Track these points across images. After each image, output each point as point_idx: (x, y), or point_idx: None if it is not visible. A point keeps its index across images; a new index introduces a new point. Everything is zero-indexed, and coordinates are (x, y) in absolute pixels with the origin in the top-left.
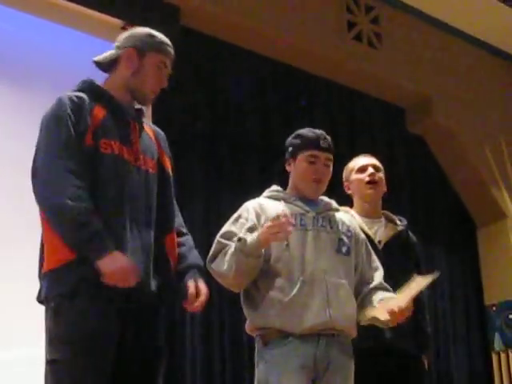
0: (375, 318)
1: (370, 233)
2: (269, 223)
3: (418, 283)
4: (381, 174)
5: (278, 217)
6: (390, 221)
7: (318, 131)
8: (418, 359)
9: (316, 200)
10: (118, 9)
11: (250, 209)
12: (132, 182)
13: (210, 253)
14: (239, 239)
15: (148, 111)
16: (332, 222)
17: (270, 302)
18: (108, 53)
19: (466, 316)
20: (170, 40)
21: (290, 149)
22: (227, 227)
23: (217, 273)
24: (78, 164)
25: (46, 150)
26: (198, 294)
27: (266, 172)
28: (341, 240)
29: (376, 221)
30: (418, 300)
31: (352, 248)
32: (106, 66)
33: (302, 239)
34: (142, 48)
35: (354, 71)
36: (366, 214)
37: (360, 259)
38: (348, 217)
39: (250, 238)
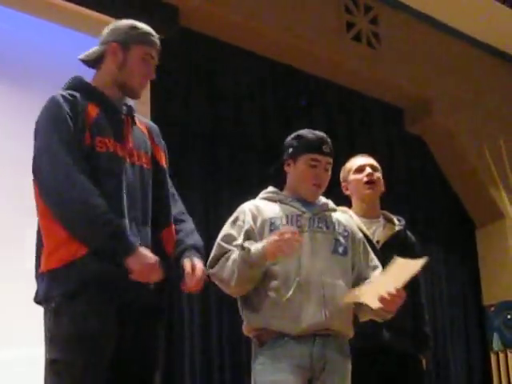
0: (369, 308)
1: (368, 233)
2: (275, 237)
3: (409, 268)
4: (379, 174)
5: (284, 232)
6: (388, 221)
7: (320, 134)
8: (417, 359)
9: (313, 201)
10: (117, 9)
11: (246, 211)
12: (128, 180)
13: (211, 256)
14: (243, 248)
15: (147, 111)
16: (328, 223)
17: (266, 304)
18: (93, 49)
19: (464, 316)
20: (169, 40)
21: (290, 150)
22: (226, 230)
23: (217, 278)
24: (83, 163)
25: (50, 150)
26: (193, 271)
27: (266, 172)
28: (337, 240)
29: (374, 221)
30: (417, 300)
31: (349, 248)
32: (93, 62)
33: None
34: (126, 41)
35: (352, 71)
36: (364, 214)
37: (357, 259)
38: (345, 216)
39: (254, 248)
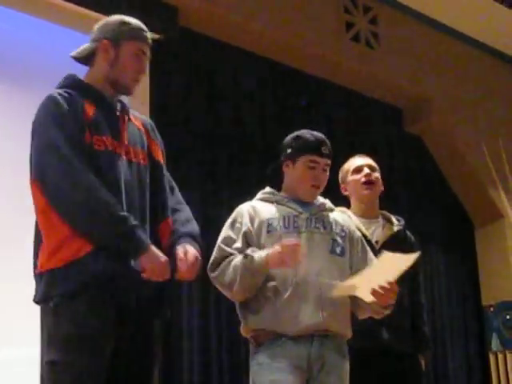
0: (365, 305)
1: (367, 233)
2: (278, 248)
3: (402, 262)
4: (377, 174)
5: (288, 244)
6: (387, 221)
7: (318, 135)
8: (416, 359)
9: (310, 201)
10: (117, 9)
11: (243, 213)
12: (126, 178)
13: (212, 259)
14: (245, 256)
15: (147, 111)
16: (325, 223)
17: (263, 304)
18: (84, 46)
19: (463, 316)
20: (169, 40)
21: (289, 150)
22: (226, 232)
23: (219, 283)
24: (87, 161)
25: (53, 147)
26: (186, 257)
27: (264, 172)
28: (334, 241)
29: (373, 221)
30: (416, 300)
31: (346, 248)
32: (84, 59)
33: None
34: (117, 38)
35: (351, 71)
36: (363, 215)
37: (355, 258)
38: (342, 216)
39: (258, 256)
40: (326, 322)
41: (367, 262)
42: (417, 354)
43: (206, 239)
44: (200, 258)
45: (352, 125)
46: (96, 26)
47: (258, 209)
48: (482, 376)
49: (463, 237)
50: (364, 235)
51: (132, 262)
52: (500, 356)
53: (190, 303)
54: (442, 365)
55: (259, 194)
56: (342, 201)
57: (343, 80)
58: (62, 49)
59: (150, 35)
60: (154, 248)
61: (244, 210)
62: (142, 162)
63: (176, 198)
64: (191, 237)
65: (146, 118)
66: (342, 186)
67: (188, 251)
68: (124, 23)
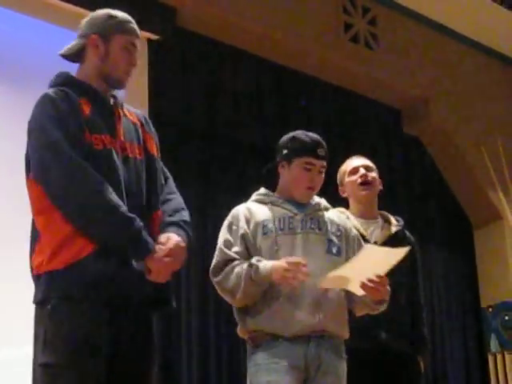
0: (361, 301)
1: (366, 234)
2: (285, 265)
3: (392, 256)
4: (374, 174)
5: (293, 262)
6: (386, 221)
7: (315, 136)
8: (414, 360)
9: (306, 202)
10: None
11: (240, 215)
12: (125, 176)
13: (214, 263)
14: (250, 265)
15: (145, 111)
16: (321, 223)
17: (260, 306)
18: (72, 43)
19: (462, 317)
20: (167, 40)
21: (285, 151)
22: (224, 235)
23: (221, 288)
24: (88, 160)
25: (54, 148)
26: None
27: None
28: (330, 241)
29: (372, 221)
30: (415, 300)
31: (342, 248)
32: (74, 56)
33: (291, 243)
34: (105, 32)
35: (350, 72)
36: (362, 215)
37: (352, 256)
38: (338, 214)
39: (262, 267)
40: (323, 322)
41: None
42: (415, 354)
43: (205, 239)
44: (184, 245)
45: (351, 126)
46: (82, 22)
47: (254, 210)
48: (480, 377)
49: (462, 238)
50: (363, 236)
51: (134, 263)
52: (499, 357)
53: (189, 303)
54: (440, 365)
55: (254, 196)
56: (342, 202)
57: (342, 81)
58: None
59: (137, 27)
60: (158, 249)
61: (240, 212)
62: (138, 156)
63: (168, 189)
64: (177, 225)
65: (139, 112)
66: (341, 188)
67: (170, 238)
68: (111, 17)
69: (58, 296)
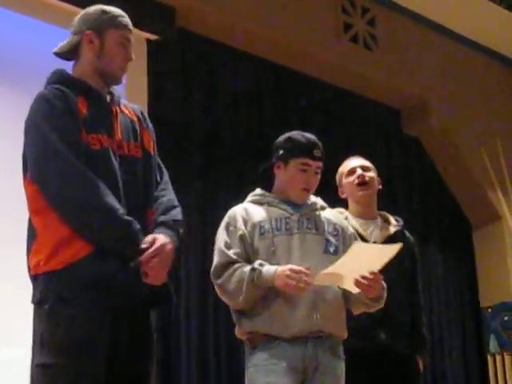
0: (357, 299)
1: (365, 234)
2: (288, 272)
3: (385, 254)
4: (371, 174)
5: (296, 269)
6: (385, 221)
7: (311, 137)
8: (414, 360)
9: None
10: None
11: (237, 216)
12: (122, 176)
13: (215, 264)
14: (253, 269)
15: (144, 111)
16: (317, 223)
17: (257, 307)
18: (66, 41)
19: (461, 318)
20: (166, 41)
21: (281, 152)
22: (223, 236)
23: (221, 290)
24: (84, 162)
25: (51, 149)
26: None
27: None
28: (327, 240)
29: (371, 222)
30: (415, 300)
31: (340, 246)
32: (68, 54)
33: (288, 243)
34: (99, 28)
35: (349, 72)
36: (361, 216)
37: None
38: (334, 213)
39: (266, 272)
40: (320, 323)
41: None
42: (415, 354)
43: (205, 239)
44: (171, 246)
45: (350, 126)
46: (75, 19)
47: (250, 211)
48: (479, 377)
49: (461, 238)
50: (362, 236)
51: (132, 264)
52: (498, 358)
53: (188, 303)
54: (439, 366)
55: (250, 196)
56: (342, 202)
57: (341, 81)
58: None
59: (136, 26)
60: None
61: (237, 213)
62: (135, 154)
63: (162, 185)
64: (166, 225)
65: (136, 106)
66: (340, 189)
67: (156, 238)
68: (104, 12)
69: (56, 297)
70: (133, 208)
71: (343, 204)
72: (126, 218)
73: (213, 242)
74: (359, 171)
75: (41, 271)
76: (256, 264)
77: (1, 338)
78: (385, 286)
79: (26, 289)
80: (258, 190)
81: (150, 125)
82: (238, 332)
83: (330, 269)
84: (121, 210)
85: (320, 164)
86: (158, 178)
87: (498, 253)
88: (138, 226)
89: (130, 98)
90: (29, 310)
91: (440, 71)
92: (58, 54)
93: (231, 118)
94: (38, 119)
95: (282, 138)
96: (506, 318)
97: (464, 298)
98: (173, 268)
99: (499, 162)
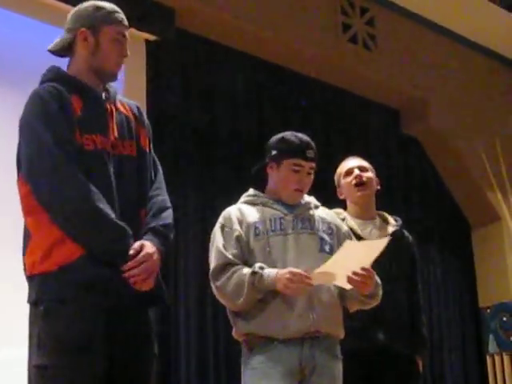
0: (352, 296)
1: (363, 234)
2: (288, 275)
3: (374, 248)
4: (369, 174)
5: (297, 273)
6: (384, 221)
7: (304, 138)
8: (413, 360)
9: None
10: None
11: (232, 217)
12: (117, 176)
13: (214, 266)
14: (254, 272)
15: (144, 111)
16: (312, 223)
17: (253, 309)
18: (60, 38)
19: (460, 318)
20: (166, 41)
21: (274, 152)
22: (220, 237)
23: (220, 292)
24: (77, 164)
25: (44, 150)
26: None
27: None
28: (322, 239)
29: (369, 222)
30: (415, 300)
31: (334, 245)
32: (63, 51)
33: (283, 244)
34: (94, 25)
35: (349, 73)
36: (359, 216)
37: None
38: (328, 212)
39: (267, 276)
40: (317, 323)
41: None
42: (414, 355)
43: (203, 239)
44: (156, 257)
45: (349, 126)
46: (69, 15)
47: (244, 212)
48: (478, 378)
49: (460, 238)
50: (360, 237)
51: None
52: (497, 358)
53: (187, 303)
54: (438, 366)
55: (243, 197)
56: (341, 203)
57: (340, 81)
58: None
59: (125, 17)
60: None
61: (232, 213)
62: (129, 153)
63: (156, 184)
64: (155, 232)
65: (133, 102)
66: (338, 190)
67: (144, 246)
68: (98, 8)
69: (52, 298)
70: (126, 209)
71: (342, 205)
72: (118, 222)
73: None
74: (357, 172)
75: (36, 272)
76: (256, 267)
77: (1, 338)
78: (379, 282)
79: (26, 289)
80: (252, 191)
81: (147, 121)
82: (234, 333)
83: (323, 267)
84: (112, 215)
85: (313, 165)
86: (153, 176)
87: (497, 253)
88: (127, 229)
89: (129, 98)
90: (28, 309)
91: (439, 71)
92: (53, 52)
93: (231, 119)
94: (32, 119)
95: (274, 138)
96: (504, 319)
97: (463, 298)
98: (164, 271)
99: (498, 163)
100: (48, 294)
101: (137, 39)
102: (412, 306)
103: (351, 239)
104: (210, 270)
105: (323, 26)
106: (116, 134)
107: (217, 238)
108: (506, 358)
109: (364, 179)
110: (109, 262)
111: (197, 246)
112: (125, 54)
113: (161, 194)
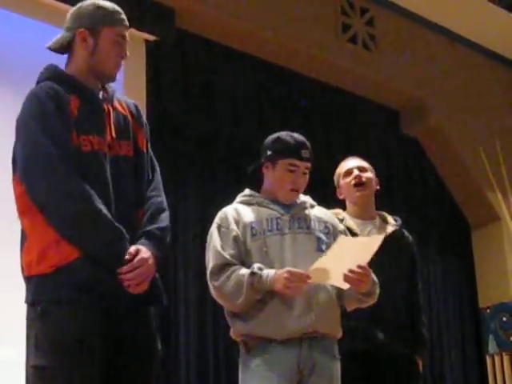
0: (348, 295)
1: (362, 234)
2: (287, 275)
3: (370, 246)
4: (368, 174)
5: (295, 273)
6: (384, 221)
7: (299, 137)
8: (413, 360)
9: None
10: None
11: (229, 217)
12: (114, 176)
13: (211, 266)
14: (252, 273)
15: (143, 112)
16: (308, 222)
17: (251, 309)
18: (60, 35)
19: (460, 318)
20: (166, 42)
21: (269, 152)
22: (217, 237)
23: (219, 293)
24: (75, 165)
25: (40, 152)
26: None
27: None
28: (319, 239)
29: (369, 222)
30: (415, 300)
31: (331, 244)
32: (61, 49)
33: (280, 244)
34: (94, 26)
35: (348, 73)
36: (358, 216)
37: None
38: (325, 211)
39: (265, 276)
40: (315, 324)
41: None
42: (414, 355)
43: (204, 240)
44: (151, 262)
45: (349, 126)
46: (69, 14)
47: (241, 212)
48: (478, 378)
49: (460, 239)
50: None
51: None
52: (497, 358)
53: (187, 303)
54: (438, 367)
55: (239, 197)
56: (341, 203)
57: (340, 82)
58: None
59: (125, 18)
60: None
61: (228, 213)
62: (127, 153)
63: (153, 184)
64: (151, 236)
65: (131, 101)
66: (338, 190)
67: (139, 251)
68: (99, 8)
69: (48, 299)
70: (123, 210)
71: (342, 205)
72: (114, 224)
73: None
74: (356, 172)
75: (33, 273)
76: (255, 268)
77: (1, 338)
78: (376, 280)
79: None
80: (247, 191)
81: (145, 121)
82: (232, 334)
83: (318, 263)
84: (108, 216)
85: (308, 164)
86: (150, 176)
87: (497, 254)
88: (126, 237)
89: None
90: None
91: (439, 71)
92: (52, 49)
93: (231, 119)
94: (28, 119)
95: (270, 138)
96: (504, 319)
97: (463, 298)
98: (164, 271)
99: (498, 163)
100: (45, 295)
101: (136, 39)
102: (412, 306)
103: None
104: (208, 271)
105: (323, 26)
106: (113, 134)
107: (214, 239)
108: (505, 359)
109: (363, 179)
110: (105, 263)
111: (197, 245)
112: (124, 55)
113: (158, 195)
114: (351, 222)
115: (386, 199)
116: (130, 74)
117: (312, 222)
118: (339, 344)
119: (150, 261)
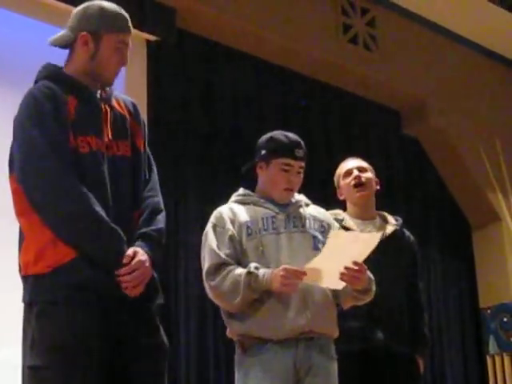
0: (344, 293)
1: None
2: (283, 273)
3: (367, 243)
4: (368, 175)
5: (291, 270)
6: (384, 221)
7: (293, 137)
8: (413, 360)
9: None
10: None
11: (224, 217)
12: (111, 177)
13: (208, 265)
14: (249, 273)
15: (144, 113)
16: (304, 221)
17: (247, 309)
18: (62, 33)
19: (460, 319)
20: (167, 42)
21: (263, 152)
22: (212, 237)
23: (215, 293)
24: (72, 166)
25: (37, 154)
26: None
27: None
28: (315, 237)
29: (369, 222)
30: (416, 300)
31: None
32: (63, 46)
33: (276, 243)
34: (97, 31)
35: (349, 73)
36: (359, 216)
37: None
38: (320, 210)
39: (262, 276)
40: (311, 323)
41: None
42: (415, 354)
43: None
44: (147, 264)
45: (349, 126)
46: (73, 13)
47: (236, 211)
48: (479, 378)
49: (461, 239)
50: None
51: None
52: (497, 359)
53: (187, 303)
54: (439, 367)
55: (234, 197)
56: (341, 203)
57: (340, 82)
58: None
59: (131, 24)
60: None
61: (223, 213)
62: (124, 153)
63: (150, 184)
64: (148, 238)
65: (129, 99)
66: (338, 190)
67: (137, 253)
68: (104, 12)
69: (44, 299)
70: (120, 211)
71: (342, 205)
72: (112, 226)
73: None
74: (356, 172)
75: (30, 273)
76: (252, 268)
77: (1, 338)
78: (372, 277)
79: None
80: (242, 190)
81: (143, 120)
82: (228, 333)
83: (313, 262)
84: (105, 218)
85: (302, 164)
86: (147, 176)
87: (498, 254)
88: (123, 237)
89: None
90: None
91: (439, 72)
92: (54, 45)
93: (231, 119)
94: (25, 119)
95: (264, 137)
96: (505, 319)
97: (463, 299)
98: (163, 271)
99: (499, 163)
100: (41, 296)
101: (138, 40)
102: (413, 305)
103: None
104: (204, 270)
105: (324, 27)
106: (110, 134)
107: (209, 238)
108: (506, 359)
109: (363, 180)
110: (101, 264)
111: (197, 245)
112: (124, 62)
113: (154, 196)
114: (351, 223)
115: (386, 199)
116: (131, 74)
117: (307, 221)
118: (336, 344)
119: (147, 263)
